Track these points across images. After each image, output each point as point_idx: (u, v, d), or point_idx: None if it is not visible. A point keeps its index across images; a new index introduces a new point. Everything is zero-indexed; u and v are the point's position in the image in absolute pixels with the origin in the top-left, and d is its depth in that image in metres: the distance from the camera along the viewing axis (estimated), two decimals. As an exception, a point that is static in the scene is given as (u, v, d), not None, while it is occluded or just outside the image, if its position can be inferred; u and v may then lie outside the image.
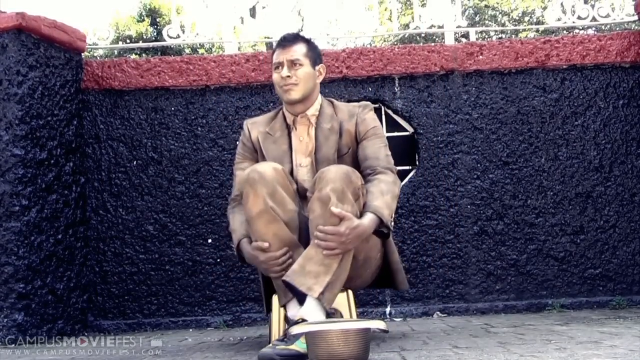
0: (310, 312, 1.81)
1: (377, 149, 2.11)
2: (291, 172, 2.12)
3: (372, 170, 2.06)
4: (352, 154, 2.14)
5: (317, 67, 2.16)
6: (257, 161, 2.16)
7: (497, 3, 11.05)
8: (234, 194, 2.17)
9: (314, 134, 2.15)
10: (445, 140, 3.14)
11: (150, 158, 3.15)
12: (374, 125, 2.16)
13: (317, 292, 1.81)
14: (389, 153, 2.14)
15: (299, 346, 1.78)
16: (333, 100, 2.26)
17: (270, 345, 1.80)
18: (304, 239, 1.96)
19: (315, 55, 2.16)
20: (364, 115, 2.16)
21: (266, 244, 1.90)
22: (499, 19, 10.07)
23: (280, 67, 2.11)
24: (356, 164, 2.12)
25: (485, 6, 10.62)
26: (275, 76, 2.13)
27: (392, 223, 2.05)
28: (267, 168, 1.95)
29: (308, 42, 2.17)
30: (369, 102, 2.24)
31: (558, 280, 3.07)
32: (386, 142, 2.17)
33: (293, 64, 2.10)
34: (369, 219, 1.89)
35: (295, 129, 2.17)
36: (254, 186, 1.90)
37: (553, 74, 3.18)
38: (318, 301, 1.82)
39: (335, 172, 1.87)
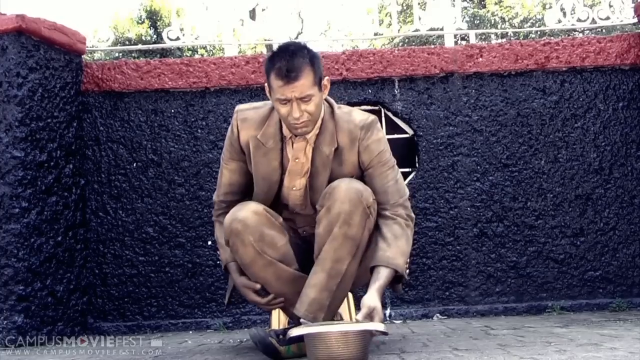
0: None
1: (384, 180, 1.95)
2: (280, 192, 2.00)
3: (383, 208, 1.93)
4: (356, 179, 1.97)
5: (322, 84, 1.89)
6: (244, 162, 2.01)
7: (499, 9, 11.06)
8: (220, 198, 2.08)
9: (310, 155, 1.95)
10: (445, 143, 3.14)
11: (150, 160, 3.15)
12: (378, 151, 1.95)
13: (320, 318, 1.85)
14: (399, 178, 1.99)
15: (287, 352, 1.84)
16: (334, 107, 1.98)
17: (267, 330, 1.89)
18: (300, 256, 1.97)
19: (319, 72, 1.86)
20: (366, 142, 1.93)
21: (258, 286, 1.92)
22: (499, 27, 10.07)
23: (288, 104, 1.82)
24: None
25: (486, 12, 10.64)
26: (283, 111, 1.84)
27: (408, 269, 1.98)
28: (248, 214, 1.87)
29: (312, 60, 1.83)
30: (372, 117, 1.98)
31: (558, 283, 3.07)
32: (393, 164, 1.99)
33: (303, 100, 1.82)
34: (379, 285, 1.82)
35: (292, 145, 1.95)
36: (240, 236, 1.86)
37: (553, 76, 3.18)
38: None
39: (346, 191, 1.82)
